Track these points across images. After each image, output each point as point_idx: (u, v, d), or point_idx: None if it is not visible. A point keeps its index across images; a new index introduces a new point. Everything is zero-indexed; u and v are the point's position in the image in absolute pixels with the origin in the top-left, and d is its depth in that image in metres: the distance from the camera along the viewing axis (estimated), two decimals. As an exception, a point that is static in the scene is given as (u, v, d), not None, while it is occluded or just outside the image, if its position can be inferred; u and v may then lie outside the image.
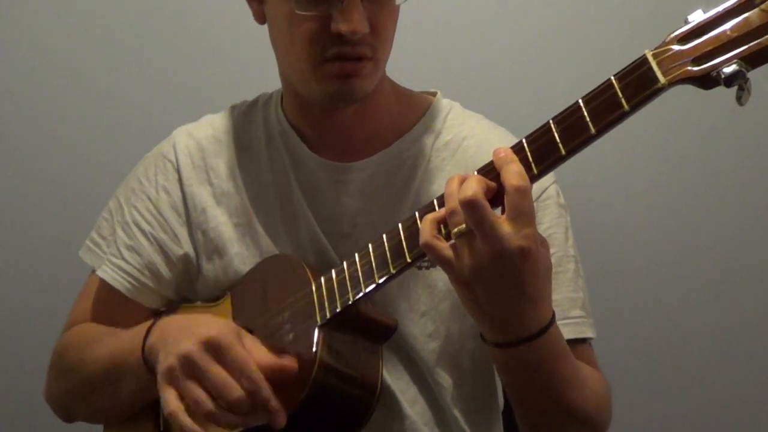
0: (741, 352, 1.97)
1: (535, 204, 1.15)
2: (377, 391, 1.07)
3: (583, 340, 1.16)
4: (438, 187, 1.18)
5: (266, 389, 0.97)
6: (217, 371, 0.97)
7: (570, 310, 1.16)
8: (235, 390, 0.96)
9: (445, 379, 1.18)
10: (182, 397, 0.98)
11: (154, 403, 1.17)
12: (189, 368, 0.98)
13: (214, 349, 0.98)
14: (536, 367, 0.96)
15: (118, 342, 1.14)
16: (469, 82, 1.87)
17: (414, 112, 1.23)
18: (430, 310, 1.17)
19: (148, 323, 1.11)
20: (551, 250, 1.15)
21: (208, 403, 0.96)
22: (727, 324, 1.97)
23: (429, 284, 1.17)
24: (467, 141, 1.21)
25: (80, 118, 1.98)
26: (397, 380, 1.17)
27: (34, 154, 1.99)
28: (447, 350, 1.18)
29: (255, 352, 1.00)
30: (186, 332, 1.00)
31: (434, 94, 1.27)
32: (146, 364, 1.07)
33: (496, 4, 1.95)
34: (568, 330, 1.13)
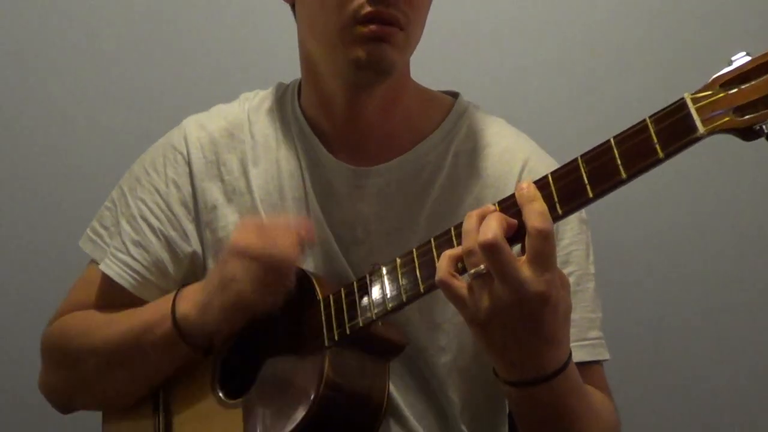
0: (740, 357, 1.96)
1: None
2: (383, 409, 1.06)
3: (597, 362, 1.14)
4: (457, 197, 1.15)
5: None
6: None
7: (588, 331, 1.13)
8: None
9: (455, 393, 1.15)
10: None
11: (154, 400, 1.17)
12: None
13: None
14: (549, 404, 0.94)
15: (138, 317, 1.13)
16: (490, 83, 1.85)
17: (435, 114, 1.19)
18: (443, 322, 1.14)
19: (169, 297, 1.12)
20: (570, 269, 1.12)
21: None
22: (727, 331, 1.96)
23: (443, 297, 1.13)
24: (488, 150, 1.17)
25: (77, 108, 1.97)
26: (404, 393, 1.15)
27: (31, 146, 1.98)
28: (459, 364, 1.15)
29: None
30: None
31: (455, 94, 1.22)
32: (180, 333, 1.08)
33: (522, 5, 1.93)
34: (585, 352, 1.11)
